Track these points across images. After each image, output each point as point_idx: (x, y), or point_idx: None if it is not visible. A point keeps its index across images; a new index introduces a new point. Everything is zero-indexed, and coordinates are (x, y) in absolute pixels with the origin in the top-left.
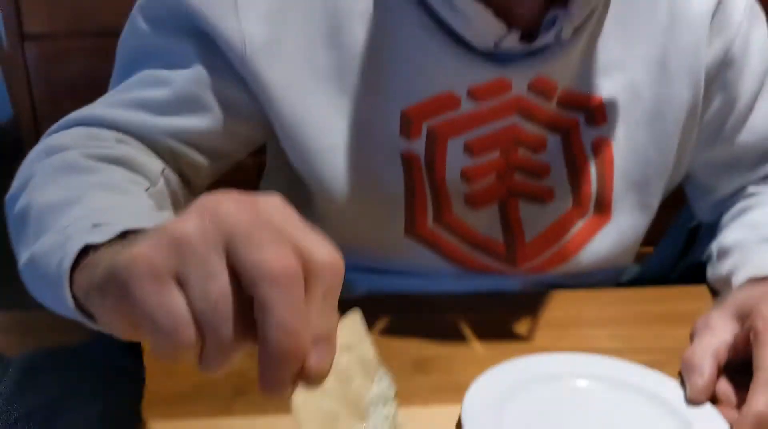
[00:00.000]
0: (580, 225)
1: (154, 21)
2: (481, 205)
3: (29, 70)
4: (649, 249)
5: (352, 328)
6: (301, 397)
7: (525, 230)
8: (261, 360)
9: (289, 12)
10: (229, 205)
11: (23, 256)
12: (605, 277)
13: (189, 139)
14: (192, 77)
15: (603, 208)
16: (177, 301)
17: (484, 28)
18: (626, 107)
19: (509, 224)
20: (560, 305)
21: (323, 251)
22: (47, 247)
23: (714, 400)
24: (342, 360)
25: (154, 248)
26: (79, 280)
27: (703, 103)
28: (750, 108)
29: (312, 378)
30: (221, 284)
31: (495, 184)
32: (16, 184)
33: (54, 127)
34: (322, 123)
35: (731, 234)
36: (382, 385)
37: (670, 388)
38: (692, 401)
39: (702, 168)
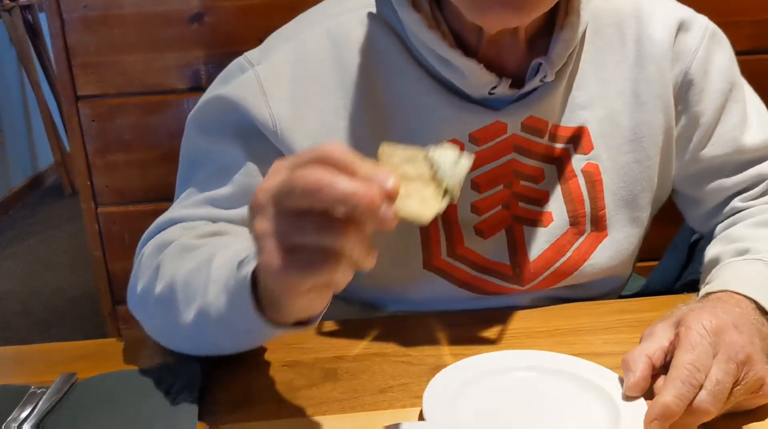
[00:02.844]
0: (579, 243)
1: (204, 128)
2: (489, 233)
3: (83, 128)
4: (654, 263)
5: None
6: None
7: (529, 252)
8: None
9: (309, 91)
10: None
11: (186, 318)
12: (607, 287)
13: None
14: (245, 172)
15: (599, 225)
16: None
17: (478, 80)
18: (608, 135)
19: (515, 248)
20: (561, 315)
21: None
22: (217, 289)
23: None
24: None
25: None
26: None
27: (675, 123)
28: (716, 122)
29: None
30: None
31: (501, 214)
32: (144, 278)
33: (147, 233)
34: None
35: (712, 249)
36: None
37: (609, 380)
38: (626, 396)
39: (683, 182)
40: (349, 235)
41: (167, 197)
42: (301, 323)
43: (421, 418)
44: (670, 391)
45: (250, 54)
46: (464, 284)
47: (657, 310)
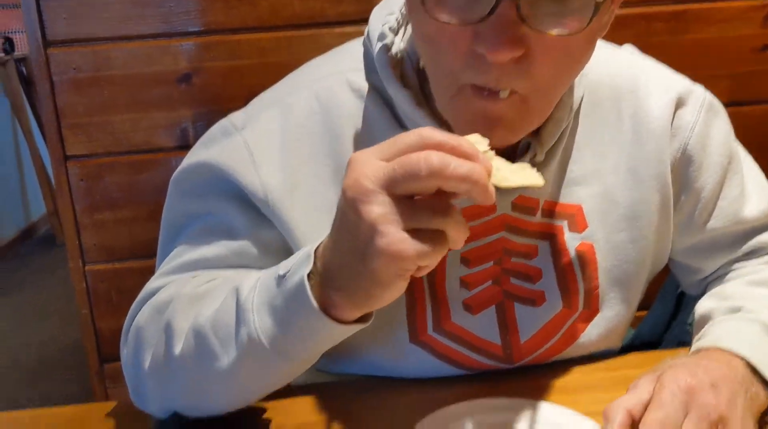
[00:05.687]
0: (570, 322)
1: (191, 192)
2: (478, 309)
3: (71, 187)
4: (643, 313)
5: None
6: None
7: (520, 331)
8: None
9: (298, 159)
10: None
11: (226, 360)
12: (596, 359)
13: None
14: (244, 234)
15: (591, 304)
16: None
17: None
18: (604, 212)
19: (506, 326)
20: (549, 373)
21: None
22: (262, 314)
23: None
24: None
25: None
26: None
27: (673, 201)
28: (716, 196)
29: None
30: None
31: (491, 289)
32: (151, 348)
33: (134, 307)
34: None
35: (704, 303)
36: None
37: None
38: None
39: (684, 254)
40: (454, 214)
41: (155, 254)
42: (359, 321)
43: None
44: None
45: (235, 117)
46: (452, 361)
47: (644, 367)
